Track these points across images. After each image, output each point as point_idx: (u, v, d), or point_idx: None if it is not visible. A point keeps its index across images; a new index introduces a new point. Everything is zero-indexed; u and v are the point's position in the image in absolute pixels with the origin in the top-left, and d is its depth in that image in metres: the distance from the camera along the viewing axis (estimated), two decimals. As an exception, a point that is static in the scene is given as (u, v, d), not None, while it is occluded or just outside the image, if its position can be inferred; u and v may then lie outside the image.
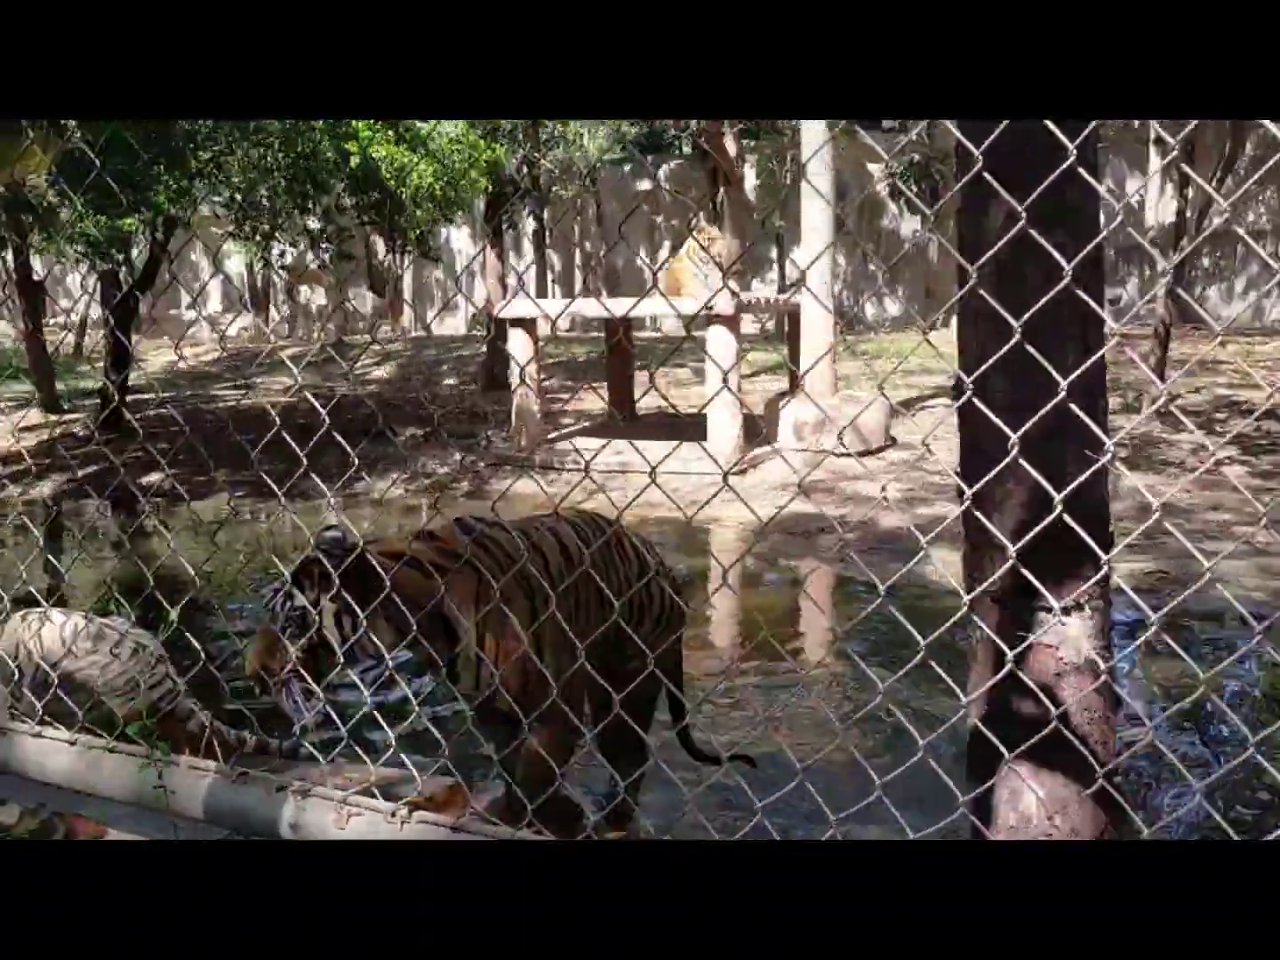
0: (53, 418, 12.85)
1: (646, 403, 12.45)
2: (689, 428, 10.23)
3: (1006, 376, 1.60)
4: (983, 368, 1.56)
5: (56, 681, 2.96)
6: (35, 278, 12.84)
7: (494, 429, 11.33)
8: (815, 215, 9.79)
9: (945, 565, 6.10)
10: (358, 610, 2.10)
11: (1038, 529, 1.40)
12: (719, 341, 8.98)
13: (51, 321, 24.46)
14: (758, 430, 9.60)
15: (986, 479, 1.59)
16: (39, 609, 3.03)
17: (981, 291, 1.44)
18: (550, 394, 13.54)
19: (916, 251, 19.40)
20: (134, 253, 10.37)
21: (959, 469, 1.81)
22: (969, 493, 1.55)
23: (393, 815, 1.35)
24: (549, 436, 10.49)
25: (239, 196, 8.41)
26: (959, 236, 1.80)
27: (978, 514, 1.59)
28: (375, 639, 2.17)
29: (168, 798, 1.37)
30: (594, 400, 13.02)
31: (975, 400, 1.49)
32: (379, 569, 1.97)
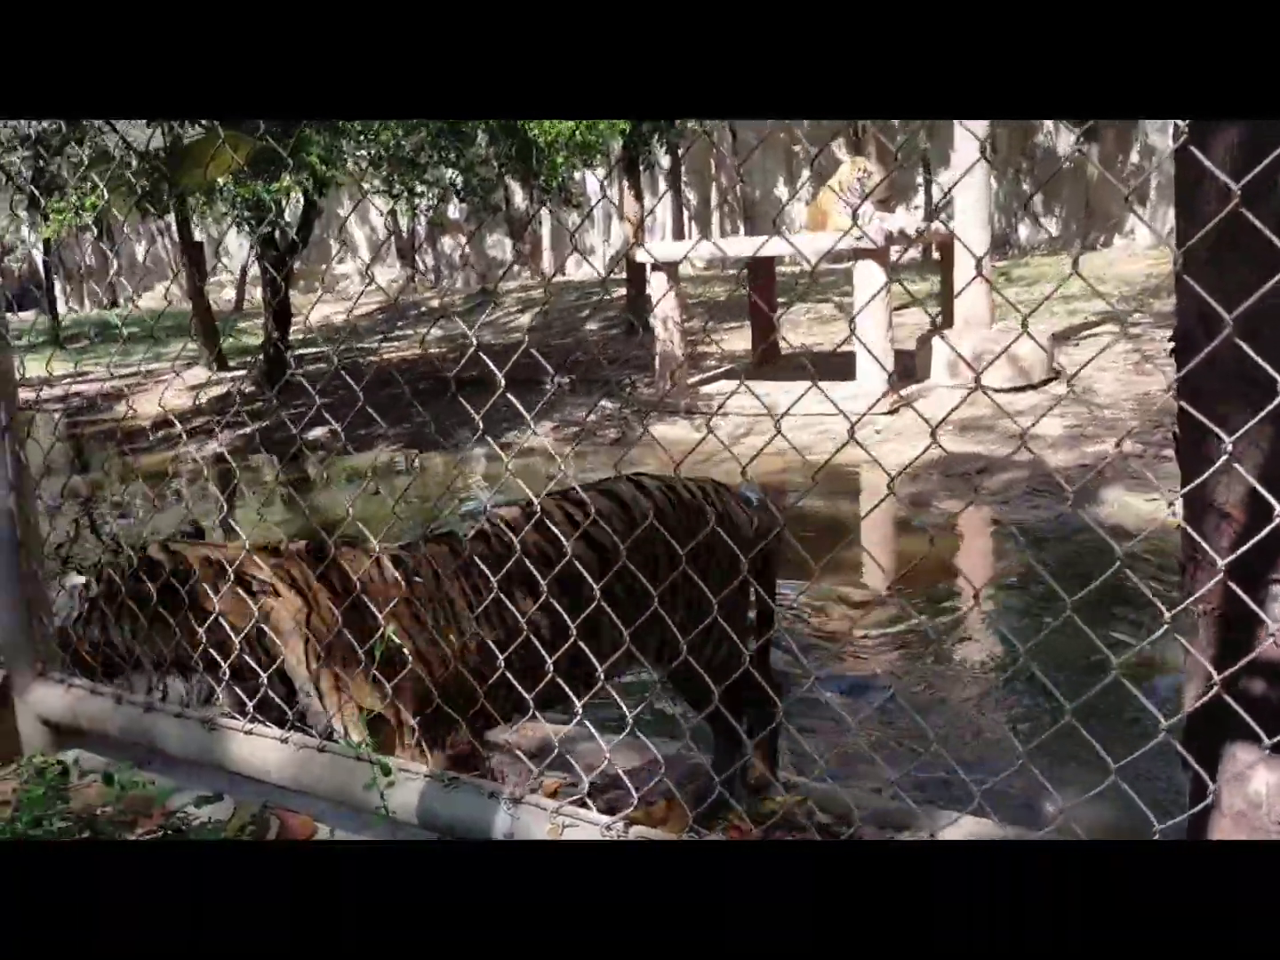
0: (219, 375, 13.47)
1: (792, 341, 12.20)
2: (838, 368, 9.99)
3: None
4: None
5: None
6: (195, 239, 13.39)
7: (637, 374, 11.32)
8: (966, 140, 9.31)
9: (1121, 508, 5.83)
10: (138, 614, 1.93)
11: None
12: (867, 276, 8.68)
13: (212, 280, 25.59)
14: (909, 367, 9.29)
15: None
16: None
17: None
18: (692, 335, 13.43)
19: (1073, 168, 18.32)
20: (286, 212, 10.70)
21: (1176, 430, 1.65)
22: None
23: (608, 829, 1.31)
24: (692, 380, 10.41)
25: (386, 153, 8.54)
26: (1177, 164, 1.60)
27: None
28: (136, 648, 1.96)
29: (381, 799, 1.39)
30: (737, 341, 12.84)
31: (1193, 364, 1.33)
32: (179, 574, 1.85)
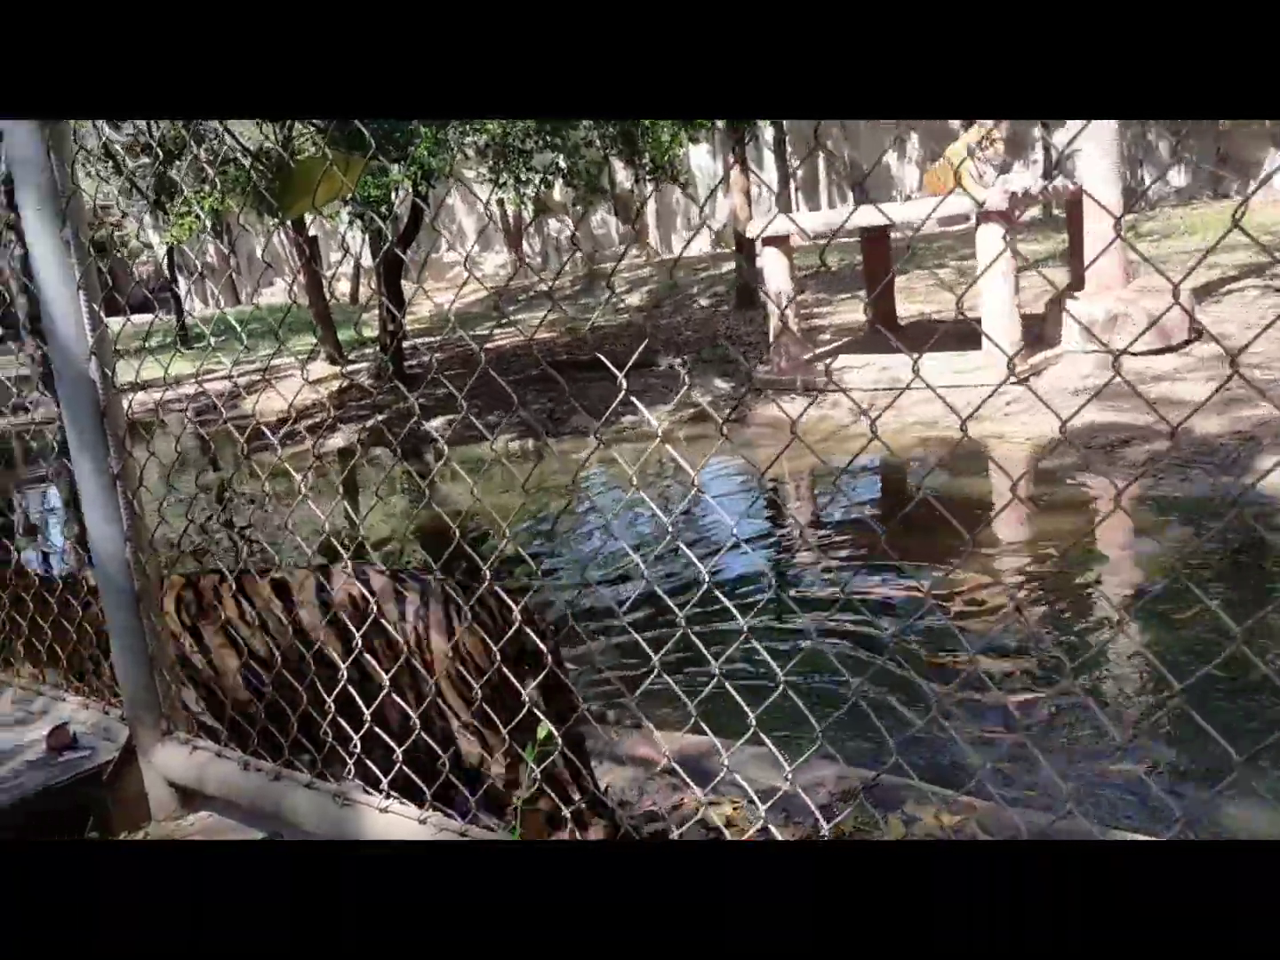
0: (337, 368, 13.75)
1: (909, 310, 11.81)
2: (960, 337, 9.61)
3: None
4: None
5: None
6: (311, 234, 13.67)
7: (751, 351, 11.11)
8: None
9: (1282, 477, 5.26)
10: None
11: None
12: (990, 241, 8.30)
13: (328, 273, 26.22)
14: (1038, 332, 8.87)
15: None
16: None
17: None
18: (805, 308, 13.14)
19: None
20: (396, 202, 10.80)
21: None
22: None
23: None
24: (807, 356, 10.15)
25: (492, 141, 8.53)
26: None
27: None
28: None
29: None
30: (852, 312, 12.50)
31: None
32: None
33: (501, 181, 9.02)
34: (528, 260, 24.04)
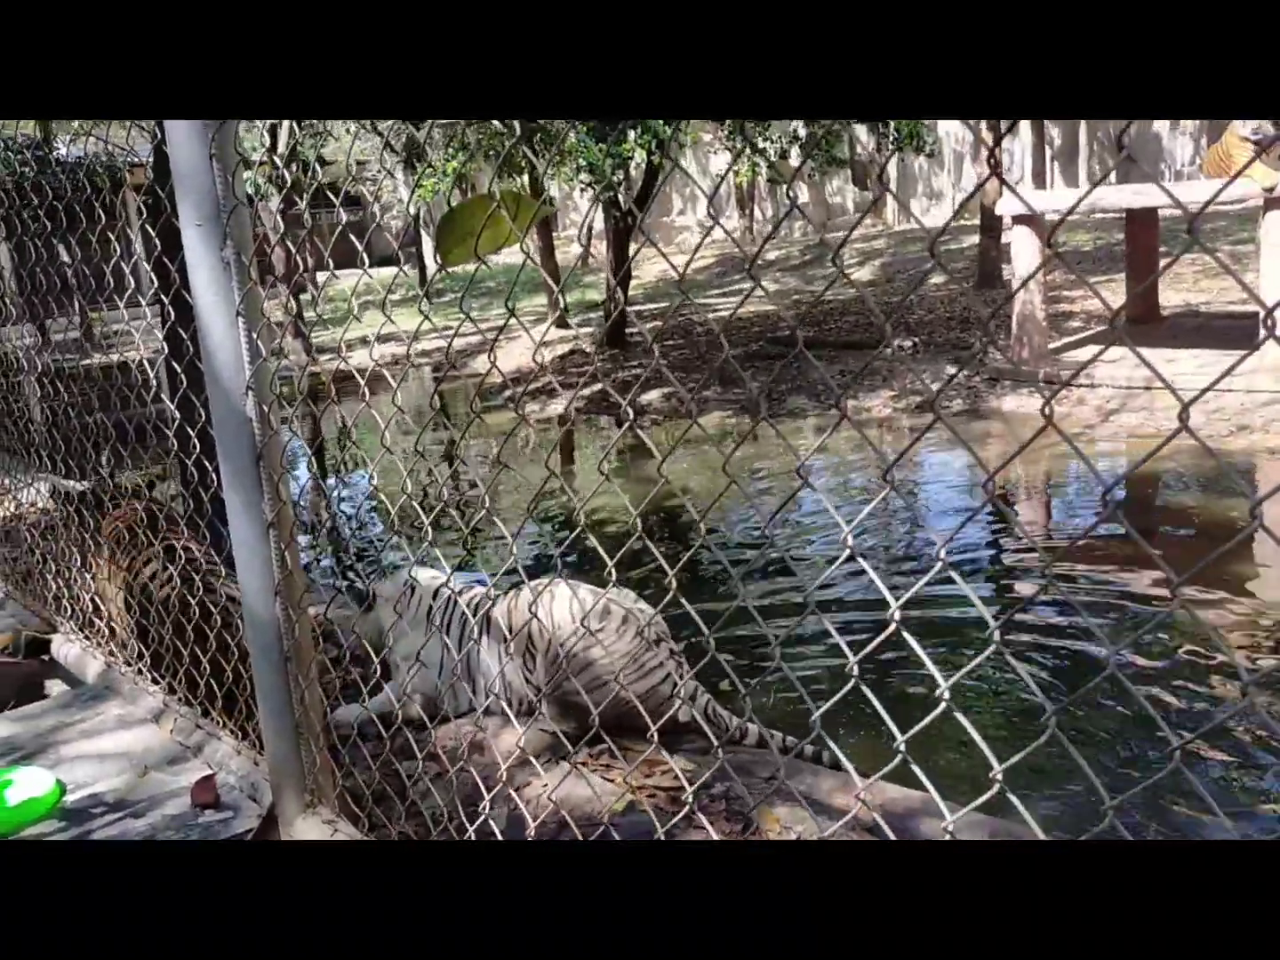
0: (564, 332, 13.94)
1: (1173, 299, 10.76)
2: (1231, 332, 8.64)
3: None
4: None
5: (566, 665, 2.97)
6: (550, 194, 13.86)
7: (989, 337, 10.42)
8: None
9: None
10: None
11: None
12: (1279, 231, 7.37)
13: (561, 235, 26.75)
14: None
15: None
16: (547, 581, 3.02)
17: None
18: (1053, 291, 12.23)
19: None
20: (631, 168, 10.73)
21: None
22: None
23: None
24: (1053, 345, 9.41)
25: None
26: None
27: None
28: None
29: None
30: (1110, 298, 11.53)
31: None
32: None
33: (739, 150, 8.76)
34: (759, 226, 23.70)
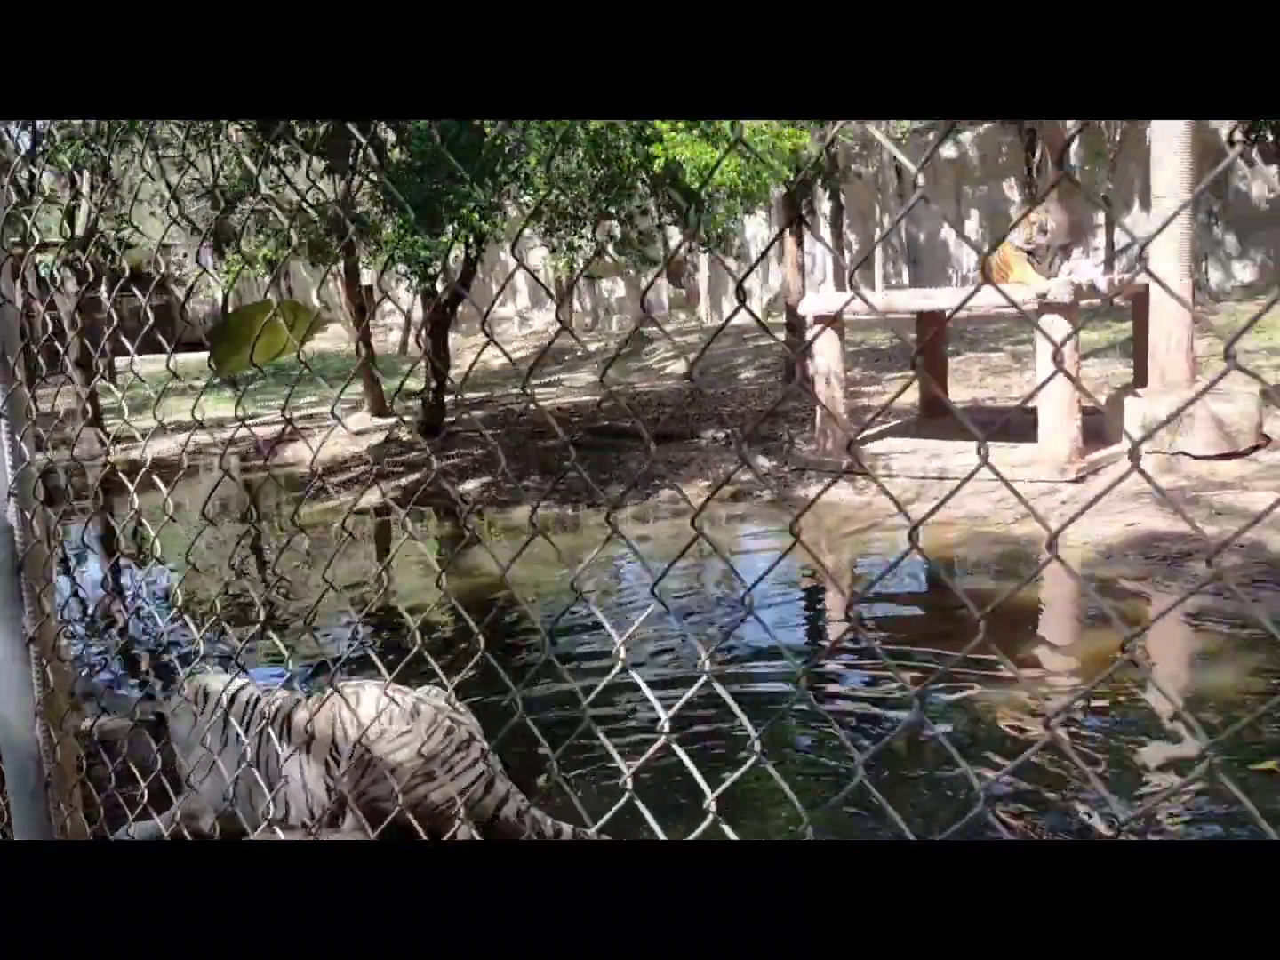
0: (380, 421, 13.70)
1: (961, 395, 11.54)
2: (1014, 426, 9.32)
3: None
4: None
5: (370, 766, 2.84)
6: (363, 283, 13.73)
7: (795, 428, 10.87)
8: (1167, 182, 8.58)
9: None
10: None
11: None
12: (1053, 332, 8.04)
13: (380, 322, 26.46)
14: (1099, 429, 8.55)
15: None
16: (355, 681, 2.91)
17: None
18: (854, 386, 12.91)
19: (1273, 209, 17.01)
20: (450, 258, 10.77)
21: None
22: None
23: None
24: (854, 438, 9.90)
25: (546, 208, 8.45)
26: None
27: None
28: None
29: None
30: (904, 394, 12.25)
31: None
32: None
33: (554, 247, 8.93)
34: (570, 319, 24.09)
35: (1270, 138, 16.50)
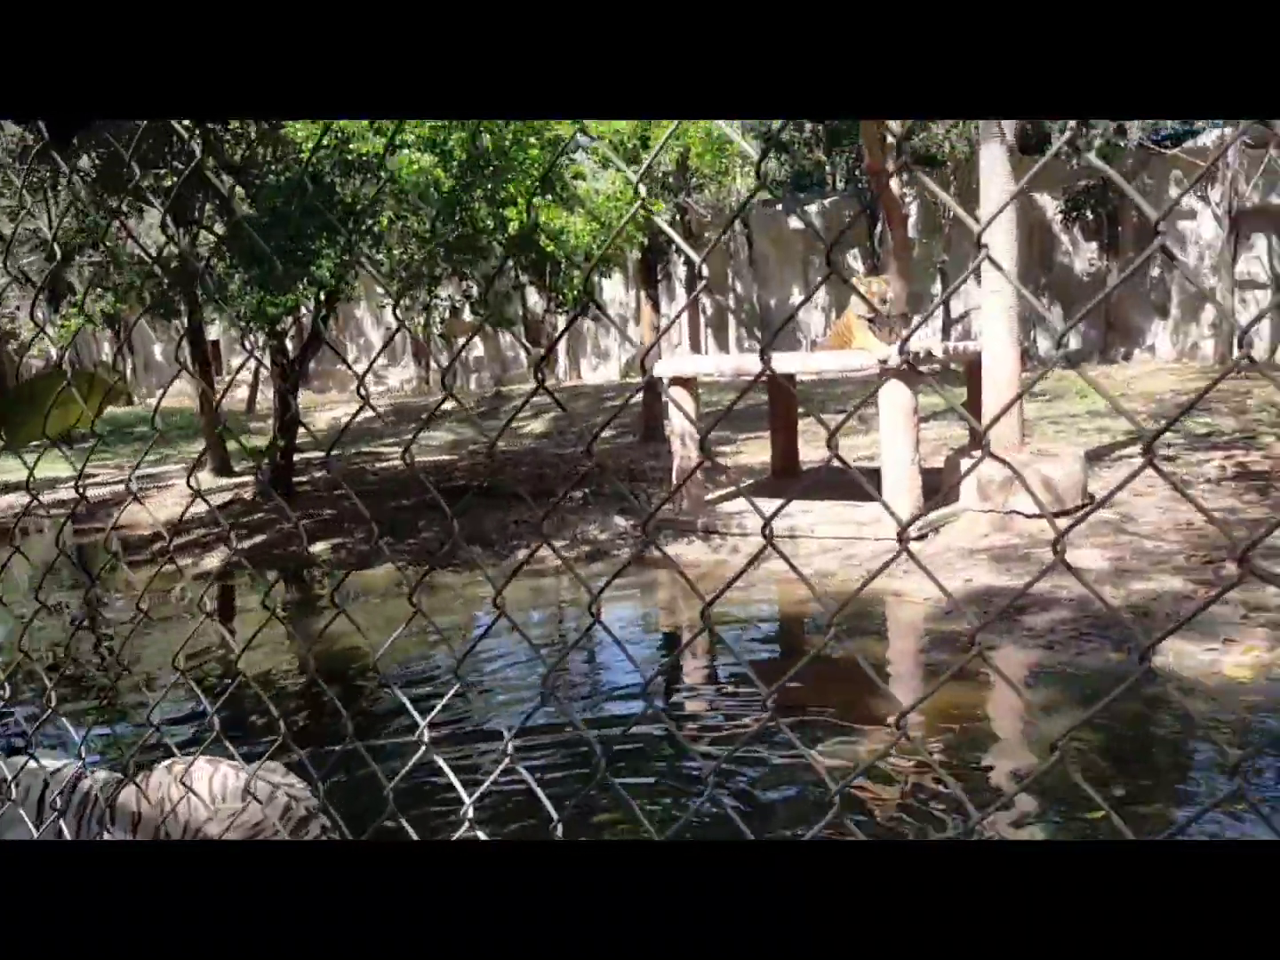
0: (224, 481, 13.21)
1: (811, 455, 11.89)
2: (859, 486, 9.64)
3: None
4: None
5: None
6: (208, 339, 13.30)
7: (653, 487, 10.99)
8: (997, 256, 9.10)
9: (1177, 657, 5.28)
10: None
11: None
12: (894, 396, 8.40)
13: (226, 378, 25.64)
14: (937, 488, 8.93)
15: None
16: (186, 758, 2.77)
17: None
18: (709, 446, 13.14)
19: (1094, 282, 18.28)
20: (302, 311, 10.54)
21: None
22: None
23: None
24: (709, 497, 10.07)
25: (399, 269, 8.39)
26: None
27: None
28: None
29: None
30: (755, 453, 12.55)
31: None
32: None
33: (407, 306, 8.86)
34: (433, 374, 23.86)
35: (1090, 216, 17.78)
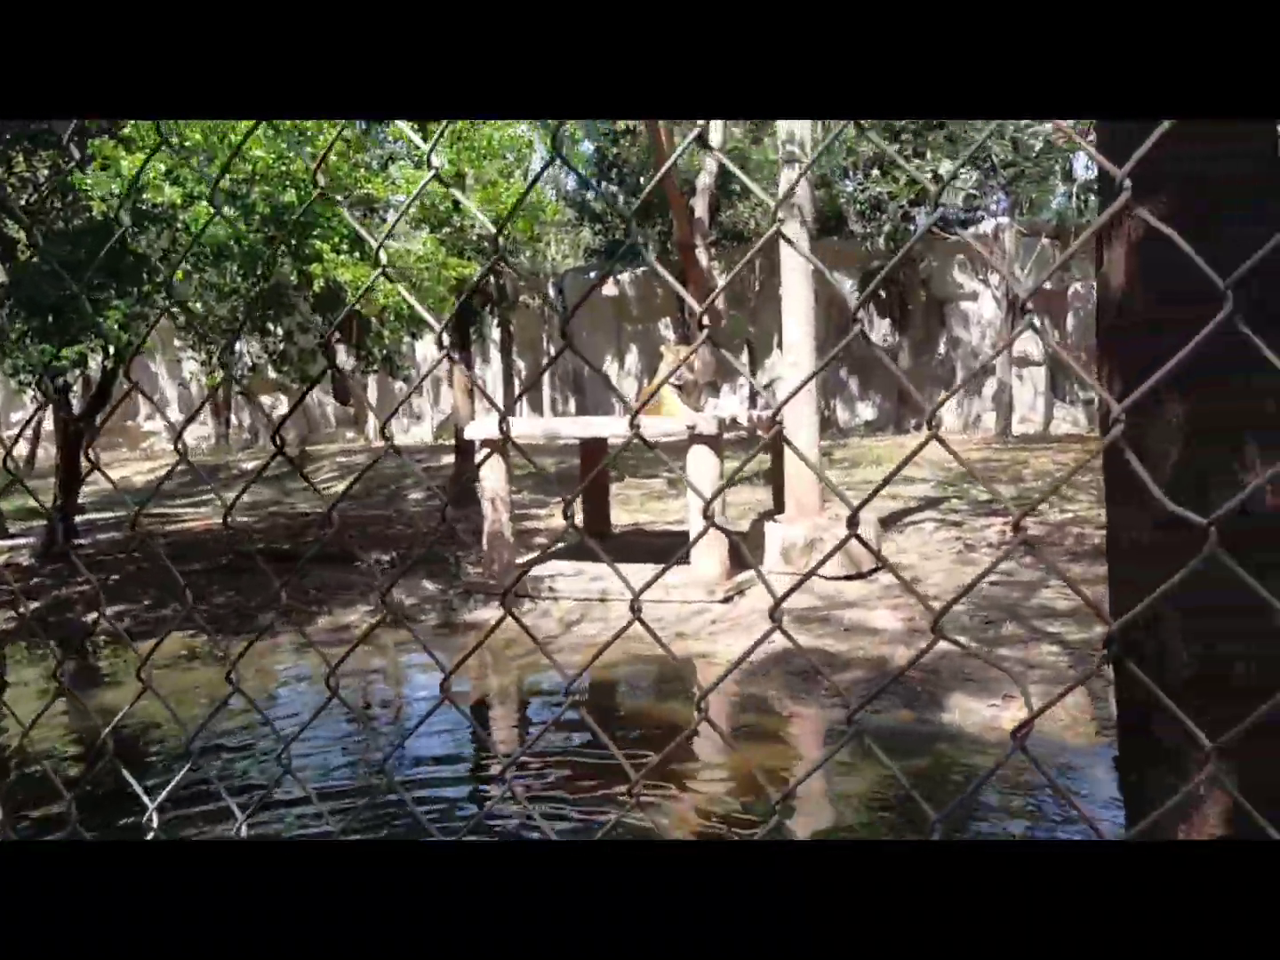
0: (-4, 543, 12.19)
1: (622, 519, 12.02)
2: (670, 548, 9.79)
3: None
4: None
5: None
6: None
7: (463, 551, 10.83)
8: (795, 329, 9.55)
9: (963, 714, 5.58)
10: None
11: None
12: (701, 461, 8.61)
13: (8, 434, 23.84)
14: (744, 552, 9.17)
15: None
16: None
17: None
18: (520, 509, 13.10)
19: (887, 356, 19.38)
20: (90, 363, 9.92)
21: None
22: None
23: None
24: (521, 560, 10.01)
25: (197, 322, 8.02)
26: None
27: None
28: None
29: None
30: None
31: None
32: None
33: (204, 360, 8.48)
34: (234, 432, 22.92)
35: (883, 295, 18.90)
